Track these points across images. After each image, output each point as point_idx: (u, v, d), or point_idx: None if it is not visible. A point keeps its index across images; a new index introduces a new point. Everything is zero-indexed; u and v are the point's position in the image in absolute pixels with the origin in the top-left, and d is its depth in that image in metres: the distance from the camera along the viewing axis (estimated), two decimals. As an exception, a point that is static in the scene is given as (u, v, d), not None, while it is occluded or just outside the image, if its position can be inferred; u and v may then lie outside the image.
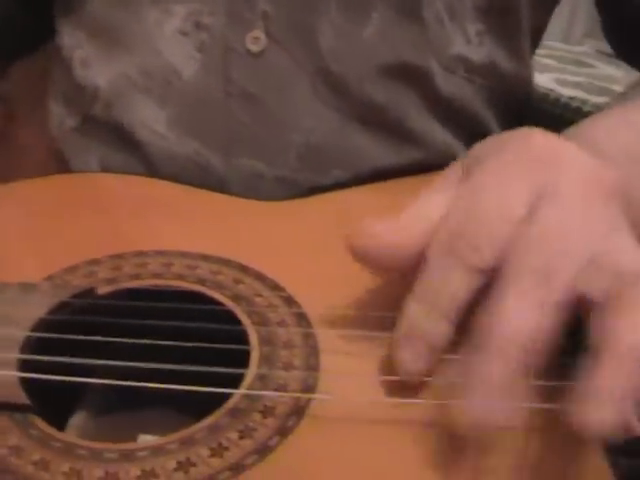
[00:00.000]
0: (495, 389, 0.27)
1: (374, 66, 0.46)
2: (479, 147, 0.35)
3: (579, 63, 1.07)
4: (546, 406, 0.29)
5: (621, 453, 0.28)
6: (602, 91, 0.93)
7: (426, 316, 0.30)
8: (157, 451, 0.28)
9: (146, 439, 0.34)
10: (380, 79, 0.46)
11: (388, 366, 0.32)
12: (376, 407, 0.30)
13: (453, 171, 0.34)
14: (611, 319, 0.27)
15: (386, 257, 0.32)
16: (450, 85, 0.48)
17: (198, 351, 0.32)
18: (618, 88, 0.98)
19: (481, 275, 0.29)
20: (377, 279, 0.36)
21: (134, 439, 0.34)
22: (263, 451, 0.28)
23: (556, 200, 0.30)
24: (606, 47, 0.57)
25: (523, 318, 0.27)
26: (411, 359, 0.30)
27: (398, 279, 0.33)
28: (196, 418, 0.30)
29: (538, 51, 0.59)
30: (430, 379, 0.30)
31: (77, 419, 0.36)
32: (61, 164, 0.53)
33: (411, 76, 0.46)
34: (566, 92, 0.89)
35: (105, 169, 0.50)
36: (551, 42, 1.20)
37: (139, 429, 0.35)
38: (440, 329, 0.30)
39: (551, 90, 0.90)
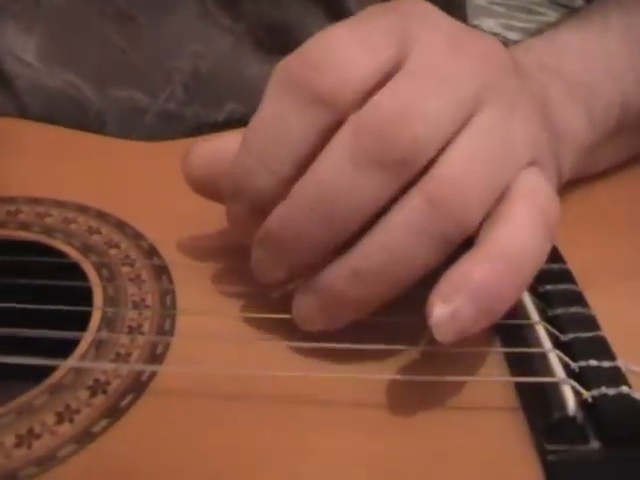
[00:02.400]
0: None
1: None
2: None
3: (529, 11, 1.02)
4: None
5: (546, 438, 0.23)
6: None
7: (246, 167, 0.24)
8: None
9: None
10: None
11: (257, 329, 0.26)
12: (232, 380, 0.24)
13: None
14: None
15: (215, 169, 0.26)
16: (363, 4, 0.42)
17: (37, 312, 0.26)
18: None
19: (324, 112, 0.23)
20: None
21: None
22: (83, 439, 0.22)
23: (415, 56, 0.24)
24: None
25: (327, 172, 0.23)
26: (234, 217, 0.26)
27: None
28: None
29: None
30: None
31: None
32: None
33: None
34: (512, 36, 0.84)
35: None
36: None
37: None
38: (263, 183, 0.24)
39: (496, 34, 0.85)
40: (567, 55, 0.34)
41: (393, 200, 0.23)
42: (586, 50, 0.34)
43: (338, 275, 0.23)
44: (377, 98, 0.23)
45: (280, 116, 0.24)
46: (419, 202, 0.22)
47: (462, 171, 0.23)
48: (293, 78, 0.23)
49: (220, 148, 0.27)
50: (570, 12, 0.40)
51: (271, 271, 0.25)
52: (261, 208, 0.24)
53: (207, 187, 0.28)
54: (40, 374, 0.24)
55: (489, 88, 0.24)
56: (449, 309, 0.22)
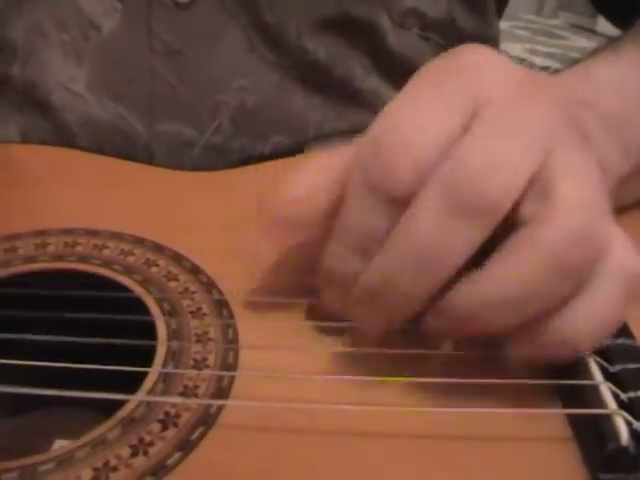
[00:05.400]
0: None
1: (315, 18, 0.40)
2: None
3: (551, 35, 1.03)
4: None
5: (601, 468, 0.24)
6: (576, 62, 0.89)
7: (339, 256, 0.25)
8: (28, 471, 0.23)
9: (62, 445, 0.28)
10: (322, 33, 0.41)
11: (320, 362, 0.27)
12: (300, 415, 0.25)
13: None
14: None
15: (300, 216, 0.27)
16: (402, 42, 0.43)
17: (102, 346, 0.27)
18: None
19: (399, 203, 0.24)
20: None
21: (51, 444, 0.29)
22: (158, 472, 0.23)
23: (486, 111, 0.24)
24: (579, 20, 0.53)
25: (418, 230, 0.23)
26: (330, 299, 0.27)
27: None
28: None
29: (511, 23, 0.54)
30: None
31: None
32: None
33: (357, 31, 0.41)
34: (539, 62, 0.84)
35: (25, 140, 0.44)
36: (524, 15, 1.15)
37: (56, 432, 0.30)
38: (355, 268, 0.25)
39: (523, 60, 0.86)
40: (602, 89, 0.34)
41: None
42: (621, 84, 0.35)
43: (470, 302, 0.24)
44: (460, 154, 0.23)
45: (363, 215, 0.25)
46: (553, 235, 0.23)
47: (569, 212, 0.23)
48: (371, 178, 0.24)
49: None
50: (606, 43, 0.41)
51: (372, 322, 0.26)
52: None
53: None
54: (100, 404, 0.25)
55: (559, 129, 0.25)
56: None
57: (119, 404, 0.25)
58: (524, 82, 0.25)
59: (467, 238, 0.23)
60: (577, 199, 0.23)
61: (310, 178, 0.27)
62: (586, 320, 0.24)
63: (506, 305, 0.23)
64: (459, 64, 0.25)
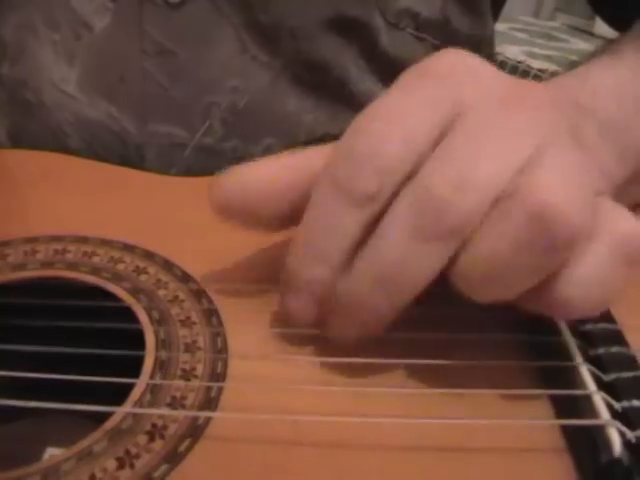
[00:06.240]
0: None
1: (309, 19, 0.40)
2: None
3: (549, 37, 1.02)
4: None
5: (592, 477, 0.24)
6: (574, 65, 0.88)
7: (300, 261, 0.25)
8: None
9: (54, 453, 0.28)
10: (316, 34, 0.40)
11: (310, 372, 0.26)
12: (289, 426, 0.24)
13: None
14: None
15: (255, 203, 0.27)
16: (396, 43, 0.42)
17: (91, 356, 0.26)
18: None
19: (370, 207, 0.24)
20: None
21: (42, 453, 0.30)
22: (144, 485, 0.22)
23: (465, 118, 0.24)
24: (577, 22, 0.53)
25: (389, 250, 0.23)
26: (296, 308, 0.26)
27: None
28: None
29: (508, 25, 0.54)
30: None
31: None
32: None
33: (352, 31, 0.41)
34: (536, 64, 0.84)
35: (14, 140, 0.44)
36: (522, 17, 1.15)
37: (47, 441, 0.31)
38: (318, 274, 0.25)
39: (520, 62, 0.85)
40: (601, 94, 0.34)
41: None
42: (619, 88, 0.34)
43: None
44: (428, 172, 0.23)
45: (329, 214, 0.24)
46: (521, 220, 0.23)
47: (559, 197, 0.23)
48: (339, 177, 0.24)
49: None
50: (604, 45, 0.40)
51: (341, 333, 0.26)
52: (318, 295, 0.26)
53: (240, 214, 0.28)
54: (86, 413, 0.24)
55: (546, 131, 0.25)
56: None
57: (110, 412, 0.25)
58: (510, 87, 0.25)
59: (430, 259, 0.23)
60: (549, 182, 0.23)
61: (273, 170, 0.27)
62: (579, 282, 0.24)
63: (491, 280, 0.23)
64: (440, 68, 0.25)
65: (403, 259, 0.23)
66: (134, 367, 0.27)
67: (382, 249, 0.24)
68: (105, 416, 0.25)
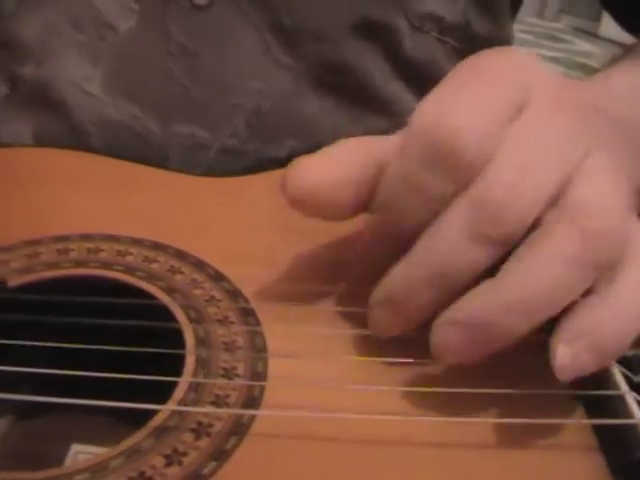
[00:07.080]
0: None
1: (333, 22, 0.40)
2: None
3: (555, 39, 1.03)
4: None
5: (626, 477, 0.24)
6: (581, 67, 0.89)
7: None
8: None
9: (80, 450, 0.30)
10: (340, 37, 0.41)
11: (349, 370, 0.27)
12: (332, 423, 0.25)
13: None
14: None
15: (327, 196, 0.27)
16: (420, 46, 0.43)
17: (128, 354, 0.27)
18: (595, 64, 0.94)
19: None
20: (338, 271, 0.31)
21: (67, 449, 0.30)
22: (193, 482, 0.23)
23: (525, 118, 0.25)
24: (581, 23, 0.53)
25: (450, 249, 0.24)
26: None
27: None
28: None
29: (514, 26, 0.54)
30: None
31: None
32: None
33: (376, 35, 0.41)
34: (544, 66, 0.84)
35: (38, 140, 0.44)
36: (527, 18, 1.16)
37: (72, 437, 0.31)
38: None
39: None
40: (617, 97, 0.34)
41: None
42: (636, 90, 0.35)
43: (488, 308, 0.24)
44: (490, 175, 0.24)
45: (416, 178, 0.25)
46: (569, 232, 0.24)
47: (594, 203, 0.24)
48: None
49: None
50: (625, 50, 0.41)
51: (389, 327, 0.27)
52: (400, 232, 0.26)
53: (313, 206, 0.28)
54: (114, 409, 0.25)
55: (591, 147, 0.25)
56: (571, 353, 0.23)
57: (138, 411, 0.25)
58: (557, 87, 0.26)
59: (480, 258, 0.24)
60: (595, 201, 0.24)
61: (346, 153, 0.27)
62: (612, 312, 0.24)
63: (523, 307, 0.24)
64: (505, 63, 0.26)
65: (457, 255, 0.24)
66: (170, 367, 0.27)
67: (438, 245, 0.25)
68: (132, 415, 0.25)
